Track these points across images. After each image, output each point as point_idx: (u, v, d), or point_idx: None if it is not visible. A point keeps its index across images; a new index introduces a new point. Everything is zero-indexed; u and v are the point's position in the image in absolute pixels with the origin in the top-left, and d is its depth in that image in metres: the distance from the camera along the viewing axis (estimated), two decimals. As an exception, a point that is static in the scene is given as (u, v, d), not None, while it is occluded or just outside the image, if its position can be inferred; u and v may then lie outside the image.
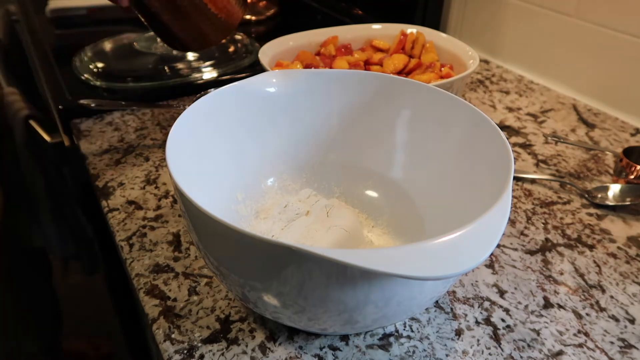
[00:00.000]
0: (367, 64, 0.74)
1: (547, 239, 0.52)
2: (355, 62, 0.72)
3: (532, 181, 0.61)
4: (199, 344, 0.40)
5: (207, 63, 0.85)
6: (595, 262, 0.50)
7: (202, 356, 0.39)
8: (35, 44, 0.95)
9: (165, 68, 0.85)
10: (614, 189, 0.58)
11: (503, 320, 0.43)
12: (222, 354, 0.39)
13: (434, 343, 0.41)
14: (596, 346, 0.41)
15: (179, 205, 0.54)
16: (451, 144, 0.46)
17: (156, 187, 0.58)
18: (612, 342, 0.41)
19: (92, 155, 0.64)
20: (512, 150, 0.39)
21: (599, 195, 0.58)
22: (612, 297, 0.46)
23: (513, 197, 0.58)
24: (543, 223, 0.54)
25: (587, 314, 0.44)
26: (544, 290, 0.46)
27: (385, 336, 0.41)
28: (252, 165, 0.50)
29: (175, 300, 0.44)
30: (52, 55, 0.90)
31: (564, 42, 0.82)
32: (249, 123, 0.49)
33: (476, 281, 0.47)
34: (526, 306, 0.44)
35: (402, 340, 0.41)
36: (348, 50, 0.76)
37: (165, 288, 0.45)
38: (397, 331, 0.42)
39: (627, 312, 0.44)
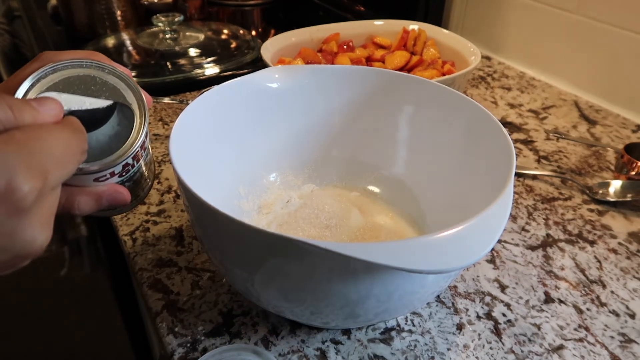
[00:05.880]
0: (369, 61, 0.74)
1: (548, 235, 0.52)
2: (357, 59, 0.72)
3: (534, 177, 0.61)
4: (202, 338, 0.40)
5: (209, 59, 0.86)
6: (596, 257, 0.50)
7: (205, 350, 0.39)
8: (38, 40, 0.96)
9: (168, 64, 0.85)
10: (615, 185, 0.58)
11: (504, 314, 0.43)
12: (225, 348, 0.40)
13: (435, 337, 0.41)
14: (597, 341, 0.41)
15: (182, 199, 0.54)
16: (453, 140, 0.46)
17: (159, 182, 0.58)
18: (612, 337, 0.42)
19: (95, 151, 0.64)
20: (514, 147, 0.39)
21: (600, 191, 0.58)
22: (612, 292, 0.46)
23: (514, 193, 0.58)
24: (544, 219, 0.55)
25: (588, 309, 0.44)
26: (544, 285, 0.46)
27: (387, 330, 0.41)
28: (254, 160, 0.50)
29: (178, 294, 0.44)
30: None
31: (565, 38, 0.82)
32: (251, 118, 0.49)
33: (477, 276, 0.47)
34: (527, 301, 0.45)
35: (404, 334, 0.41)
36: (350, 47, 0.76)
37: (169, 282, 0.45)
38: (398, 325, 0.42)
39: (627, 307, 0.44)
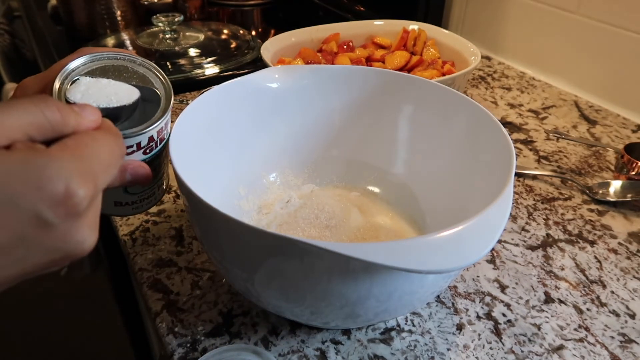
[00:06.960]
0: (368, 61, 0.74)
1: (548, 235, 0.52)
2: (357, 59, 0.72)
3: (534, 177, 0.61)
4: (202, 338, 0.40)
5: (209, 59, 0.86)
6: (596, 257, 0.50)
7: (205, 350, 0.39)
8: (38, 40, 0.96)
9: (168, 64, 0.85)
10: (615, 185, 0.58)
11: (504, 315, 0.43)
12: (225, 348, 0.39)
13: (435, 337, 0.41)
14: (597, 341, 0.41)
15: (182, 200, 0.54)
16: (453, 140, 0.46)
17: (159, 183, 0.58)
18: (612, 337, 0.42)
19: (95, 151, 0.64)
20: (514, 147, 0.39)
21: (600, 191, 0.58)
22: (612, 292, 0.46)
23: (514, 193, 0.58)
24: (544, 219, 0.55)
25: (588, 309, 0.44)
26: (544, 285, 0.46)
27: (387, 330, 0.41)
28: (254, 160, 0.50)
29: (178, 294, 0.44)
30: (54, 51, 0.90)
31: (566, 38, 0.82)
32: (251, 119, 0.49)
33: (477, 276, 0.47)
34: (527, 301, 0.45)
35: (404, 334, 0.41)
36: (350, 47, 0.76)
37: (168, 282, 0.45)
38: (398, 325, 0.42)
39: (627, 307, 0.44)
